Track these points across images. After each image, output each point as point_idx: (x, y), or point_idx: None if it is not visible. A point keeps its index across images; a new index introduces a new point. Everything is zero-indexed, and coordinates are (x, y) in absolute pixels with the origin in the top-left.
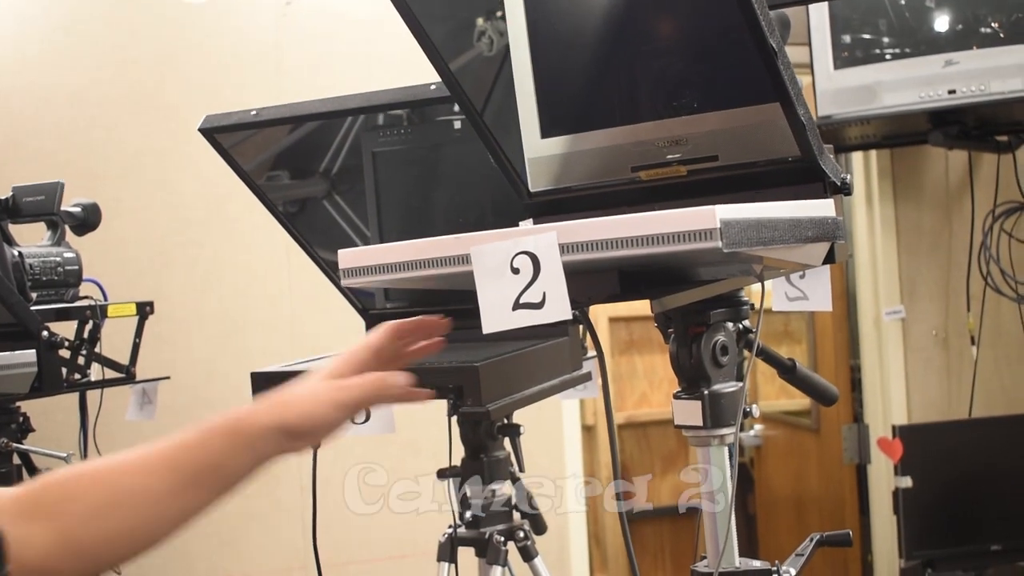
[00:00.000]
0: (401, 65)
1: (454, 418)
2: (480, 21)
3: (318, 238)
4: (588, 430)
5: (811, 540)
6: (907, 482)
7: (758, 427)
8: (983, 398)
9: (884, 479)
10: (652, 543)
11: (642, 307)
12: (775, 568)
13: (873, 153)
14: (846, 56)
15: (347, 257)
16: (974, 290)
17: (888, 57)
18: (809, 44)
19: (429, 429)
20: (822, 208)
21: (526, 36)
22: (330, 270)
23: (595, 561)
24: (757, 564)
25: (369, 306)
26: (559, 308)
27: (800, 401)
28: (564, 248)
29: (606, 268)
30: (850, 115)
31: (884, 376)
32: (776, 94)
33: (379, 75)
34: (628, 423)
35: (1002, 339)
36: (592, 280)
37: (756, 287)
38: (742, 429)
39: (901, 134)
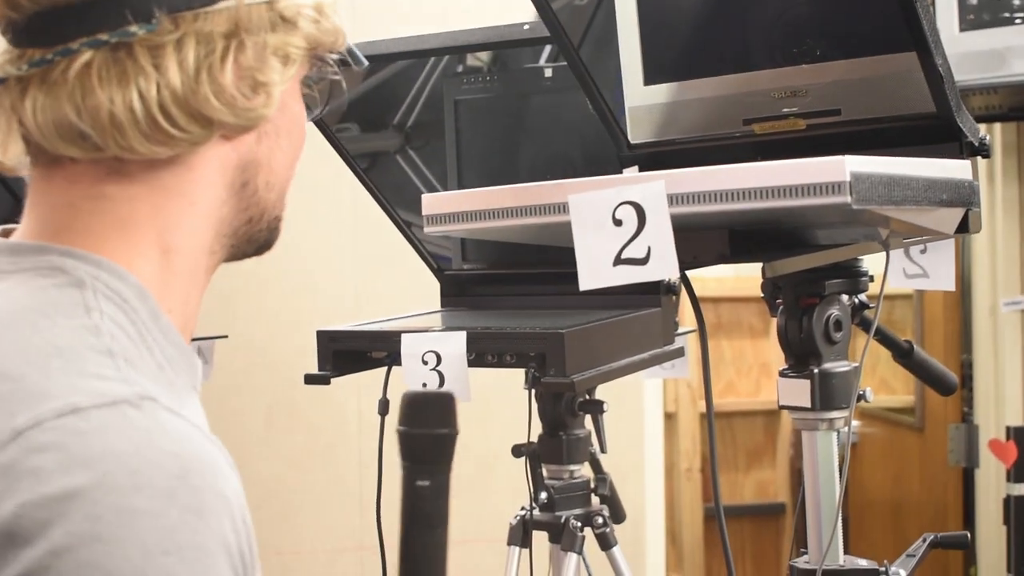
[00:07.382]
0: (485, 14)
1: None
2: None
3: (390, 195)
4: (669, 417)
5: (924, 541)
6: (1021, 489)
7: (855, 423)
8: None
9: (994, 485)
10: (731, 543)
11: (732, 287)
12: (883, 568)
13: (997, 126)
14: (972, 19)
15: (432, 202)
16: None
17: (1020, 21)
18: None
19: (502, 401)
20: (958, 170)
21: None
22: (406, 227)
23: (670, 560)
24: (863, 563)
25: (445, 267)
26: (666, 264)
27: (902, 397)
28: (673, 199)
29: (716, 226)
30: (974, 82)
31: (999, 372)
32: (913, 41)
33: (461, 22)
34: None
35: None
36: (699, 239)
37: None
38: None
39: None
